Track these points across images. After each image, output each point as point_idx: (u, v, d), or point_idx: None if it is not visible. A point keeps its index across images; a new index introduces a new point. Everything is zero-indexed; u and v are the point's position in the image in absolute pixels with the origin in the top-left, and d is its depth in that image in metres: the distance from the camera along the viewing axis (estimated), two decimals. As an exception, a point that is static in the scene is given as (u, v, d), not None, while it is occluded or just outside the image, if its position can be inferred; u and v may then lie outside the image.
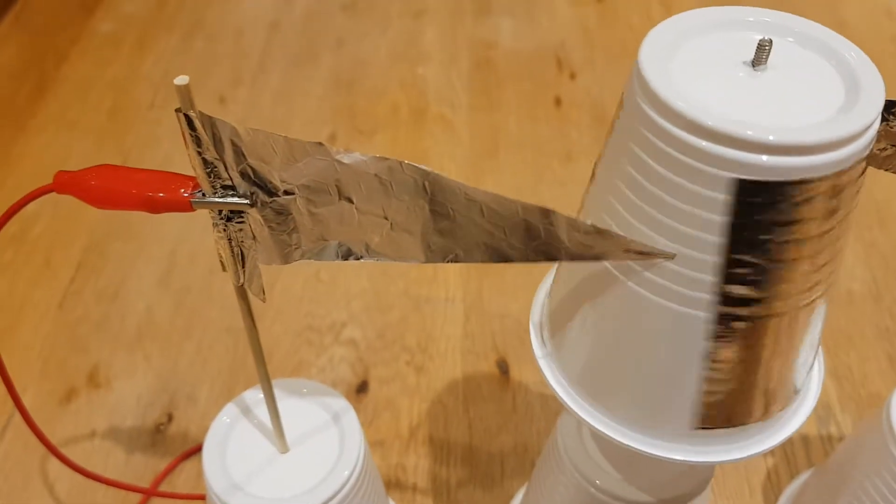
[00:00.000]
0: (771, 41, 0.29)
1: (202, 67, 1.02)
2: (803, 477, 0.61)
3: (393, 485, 0.61)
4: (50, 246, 0.80)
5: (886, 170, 0.38)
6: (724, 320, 0.32)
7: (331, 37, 1.07)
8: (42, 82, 1.01)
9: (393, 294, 0.75)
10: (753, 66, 0.30)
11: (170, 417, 0.66)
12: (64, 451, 0.64)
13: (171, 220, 0.80)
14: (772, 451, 0.63)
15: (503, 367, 0.69)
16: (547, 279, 0.42)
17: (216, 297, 0.75)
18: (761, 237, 0.29)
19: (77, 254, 0.79)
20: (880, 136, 0.37)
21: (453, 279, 0.76)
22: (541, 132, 0.93)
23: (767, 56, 0.30)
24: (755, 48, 0.30)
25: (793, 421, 0.39)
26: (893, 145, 0.37)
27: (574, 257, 0.31)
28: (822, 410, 0.66)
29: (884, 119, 0.37)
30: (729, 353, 0.33)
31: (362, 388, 0.67)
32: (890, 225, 0.81)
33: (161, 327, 0.72)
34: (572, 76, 1.00)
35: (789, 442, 0.64)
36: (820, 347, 0.39)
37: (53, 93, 1.00)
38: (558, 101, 0.96)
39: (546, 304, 0.42)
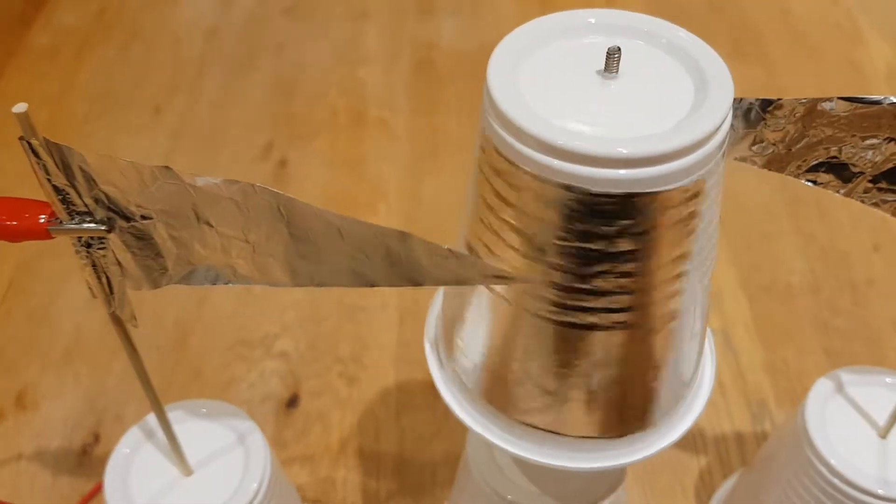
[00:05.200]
0: (619, 49, 0.29)
1: (139, 76, 1.01)
2: (736, 476, 0.60)
3: (321, 501, 0.60)
4: (-20, 266, 0.79)
5: (771, 170, 0.38)
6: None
7: (271, 41, 1.06)
8: (-23, 99, 0.99)
9: (327, 304, 0.74)
10: (603, 75, 0.29)
11: (96, 438, 0.65)
12: (-11, 476, 0.63)
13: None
14: (704, 450, 0.63)
15: (437, 374, 0.68)
16: (439, 292, 0.42)
17: (146, 315, 0.74)
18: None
19: (8, 272, 0.78)
20: (757, 137, 0.36)
21: (390, 286, 0.75)
22: (481, 133, 0.92)
23: (617, 65, 0.29)
24: (604, 56, 0.29)
25: (690, 413, 0.38)
26: (774, 144, 0.37)
27: (439, 282, 0.30)
28: (757, 407, 0.66)
29: (762, 119, 0.36)
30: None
31: (293, 401, 0.66)
32: (829, 217, 0.81)
33: (90, 346, 0.71)
34: (514, 75, 0.99)
35: (723, 440, 0.64)
36: (709, 335, 0.39)
37: (-10, 108, 0.98)
38: (499, 101, 0.95)
39: (440, 319, 0.41)
